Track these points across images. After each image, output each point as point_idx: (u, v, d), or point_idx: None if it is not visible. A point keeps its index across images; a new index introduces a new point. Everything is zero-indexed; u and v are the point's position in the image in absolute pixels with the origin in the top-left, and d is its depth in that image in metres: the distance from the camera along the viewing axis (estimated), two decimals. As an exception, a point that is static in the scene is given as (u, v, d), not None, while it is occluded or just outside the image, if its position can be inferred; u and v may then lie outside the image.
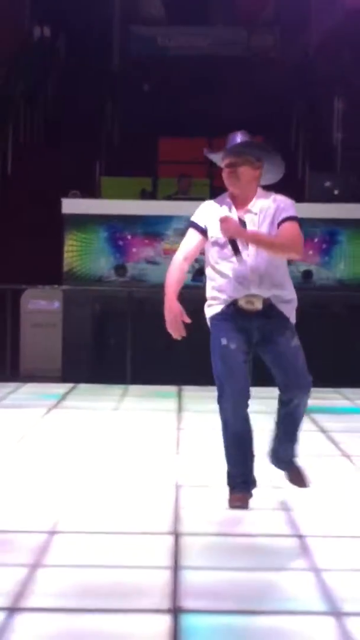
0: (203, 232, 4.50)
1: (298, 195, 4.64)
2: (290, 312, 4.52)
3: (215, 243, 4.47)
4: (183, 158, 13.76)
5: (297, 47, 17.83)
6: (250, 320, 4.45)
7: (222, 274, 4.47)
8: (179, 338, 4.49)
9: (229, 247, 4.43)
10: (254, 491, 4.53)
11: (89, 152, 13.34)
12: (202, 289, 9.98)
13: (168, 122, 14.70)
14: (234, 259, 4.42)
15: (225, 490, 4.54)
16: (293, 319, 4.53)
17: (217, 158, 4.53)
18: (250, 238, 4.39)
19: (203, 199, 11.97)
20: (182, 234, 11.24)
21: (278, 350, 4.47)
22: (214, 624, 3.08)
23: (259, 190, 4.49)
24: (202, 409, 7.83)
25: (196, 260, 10.60)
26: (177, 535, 4.05)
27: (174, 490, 4.87)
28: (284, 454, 4.64)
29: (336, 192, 10.22)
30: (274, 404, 4.60)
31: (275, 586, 3.45)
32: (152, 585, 3.41)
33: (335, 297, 10.11)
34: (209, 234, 4.48)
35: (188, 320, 4.49)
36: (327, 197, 10.30)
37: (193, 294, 10.72)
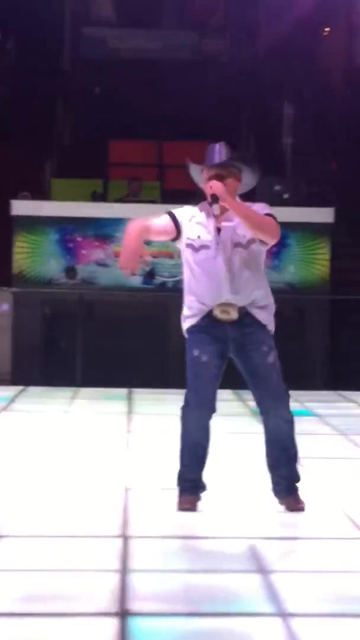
0: (176, 223, 4.49)
1: (248, 199, 4.64)
2: (267, 318, 4.49)
3: (190, 245, 4.47)
4: (134, 160, 13.76)
5: (247, 53, 17.92)
6: (226, 331, 4.43)
7: (196, 278, 4.45)
8: (132, 275, 4.45)
9: (204, 250, 4.41)
10: (202, 494, 4.54)
11: (40, 154, 13.26)
12: (152, 292, 10.03)
13: (119, 125, 14.69)
14: (208, 262, 4.40)
15: (174, 493, 4.55)
16: (271, 326, 4.51)
17: (197, 169, 4.54)
18: (232, 204, 4.36)
19: (154, 202, 12.02)
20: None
21: (252, 367, 4.47)
22: (162, 627, 3.07)
23: (237, 200, 4.51)
24: (152, 411, 7.84)
25: (147, 264, 10.67)
26: (125, 538, 4.04)
27: (123, 493, 4.86)
28: (284, 472, 4.53)
29: (285, 196, 10.31)
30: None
31: (222, 588, 3.46)
32: (100, 588, 3.39)
33: (285, 300, 10.13)
34: (184, 234, 4.48)
35: (149, 258, 4.59)
36: (276, 201, 10.36)
37: (143, 296, 10.80)
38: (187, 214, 4.53)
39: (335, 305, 10.73)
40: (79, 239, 10.34)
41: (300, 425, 7.24)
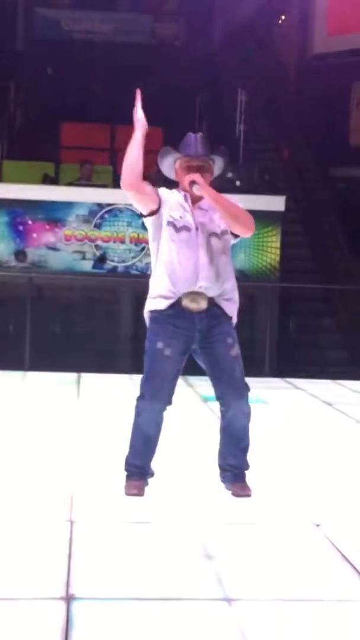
0: (157, 193, 4.42)
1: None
2: (233, 310, 4.50)
3: (172, 224, 4.40)
4: (86, 144, 13.69)
5: (201, 38, 17.90)
6: (193, 321, 4.39)
7: (172, 259, 4.37)
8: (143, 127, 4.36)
9: (184, 232, 4.37)
10: (150, 480, 4.56)
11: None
12: (103, 277, 9.95)
13: (71, 107, 14.59)
14: (187, 245, 4.36)
15: (121, 479, 4.56)
16: (235, 318, 4.53)
17: (171, 157, 4.51)
18: (212, 194, 4.35)
19: (105, 186, 11.92)
20: (84, 220, 11.28)
21: (216, 358, 4.45)
22: (107, 611, 3.09)
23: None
24: (101, 396, 7.83)
25: (98, 247, 10.67)
26: (72, 522, 4.04)
27: (69, 478, 4.85)
28: (234, 462, 4.57)
29: (238, 183, 10.34)
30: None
31: (167, 573, 3.48)
32: (46, 573, 3.40)
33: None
34: (165, 211, 4.41)
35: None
36: (229, 188, 10.40)
37: (93, 281, 10.77)
38: (168, 193, 4.48)
39: (285, 293, 10.82)
40: (29, 222, 10.27)
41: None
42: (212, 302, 4.42)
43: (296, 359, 10.61)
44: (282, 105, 15.64)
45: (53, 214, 10.31)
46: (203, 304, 4.39)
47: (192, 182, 4.38)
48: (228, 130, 13.36)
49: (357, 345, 11.46)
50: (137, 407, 4.51)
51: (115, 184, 12.14)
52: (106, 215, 10.32)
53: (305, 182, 13.66)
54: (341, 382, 9.19)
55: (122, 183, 4.37)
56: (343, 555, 3.75)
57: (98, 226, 10.30)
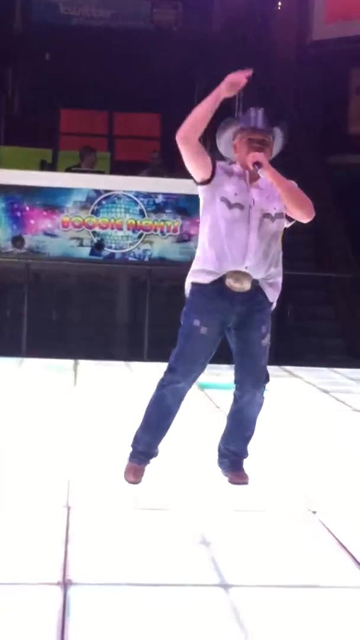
0: (214, 162, 4.24)
1: None
2: (275, 296, 4.41)
3: (225, 200, 4.24)
4: (84, 130, 13.64)
5: (200, 24, 17.82)
6: (233, 303, 4.27)
7: (221, 236, 4.23)
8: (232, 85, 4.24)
9: (237, 209, 4.21)
10: (153, 460, 4.49)
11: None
12: (100, 263, 9.89)
13: (69, 93, 14.53)
14: (238, 223, 4.22)
15: (118, 465, 4.56)
16: (275, 304, 4.45)
17: (230, 132, 4.36)
18: (275, 175, 4.21)
19: (103, 173, 11.86)
20: (82, 207, 11.25)
21: (246, 345, 4.36)
22: (104, 597, 3.10)
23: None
24: (98, 383, 7.84)
25: (95, 234, 10.63)
26: (69, 508, 4.05)
27: (66, 463, 4.86)
28: (235, 448, 4.57)
29: (236, 170, 10.29)
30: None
31: (166, 558, 3.49)
32: (43, 558, 3.41)
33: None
34: (218, 184, 4.23)
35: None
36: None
37: (91, 268, 10.73)
38: (226, 167, 4.31)
39: (283, 280, 10.78)
40: (27, 208, 10.24)
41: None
42: (255, 284, 4.29)
43: (294, 347, 10.60)
44: (281, 93, 15.59)
45: (50, 200, 10.27)
46: (247, 285, 4.25)
47: (256, 164, 4.20)
48: (226, 116, 13.31)
49: (355, 333, 11.46)
50: (163, 380, 4.34)
51: (113, 171, 12.12)
52: (104, 202, 10.29)
53: (305, 170, 13.62)
54: (338, 370, 9.21)
55: (177, 134, 4.14)
56: (339, 542, 3.76)
57: (95, 213, 10.27)
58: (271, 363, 9.53)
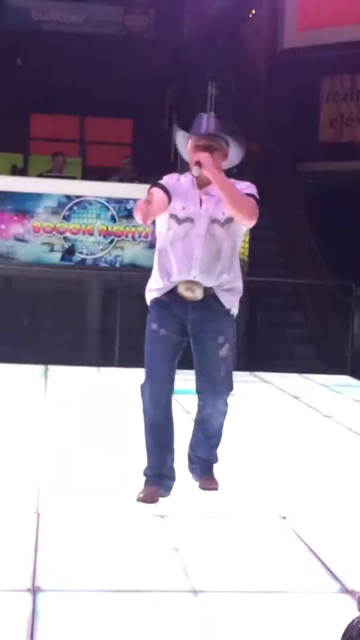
0: (166, 192, 4.20)
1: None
2: (231, 301, 4.32)
3: (174, 217, 4.23)
4: (55, 135, 13.62)
5: (172, 30, 17.86)
6: (186, 311, 4.26)
7: (169, 251, 4.24)
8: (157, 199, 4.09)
9: (187, 223, 4.20)
10: (170, 484, 4.38)
11: None
12: (71, 269, 9.87)
13: (40, 98, 14.49)
14: (186, 235, 4.19)
15: (88, 472, 4.55)
16: (235, 309, 4.35)
17: (184, 137, 4.32)
18: (216, 176, 4.12)
19: (75, 178, 11.85)
20: (53, 212, 11.22)
21: (203, 357, 4.31)
22: (74, 603, 3.09)
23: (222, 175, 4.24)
24: (69, 388, 7.81)
25: (67, 239, 10.61)
26: (38, 515, 4.04)
27: (36, 470, 4.84)
28: (203, 455, 4.54)
29: (207, 176, 10.31)
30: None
31: (136, 564, 3.49)
32: (12, 564, 3.39)
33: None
34: (171, 204, 4.21)
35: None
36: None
37: (61, 273, 10.71)
38: (173, 182, 4.26)
39: (253, 287, 10.83)
40: (-3, 212, 10.20)
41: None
42: (209, 292, 4.24)
43: (264, 353, 10.64)
44: (252, 99, 15.66)
45: (21, 205, 10.24)
46: (199, 294, 4.22)
47: (197, 163, 4.12)
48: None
49: (324, 339, 11.52)
50: (141, 392, 4.34)
51: (84, 175, 12.11)
52: (75, 207, 10.27)
53: (274, 176, 13.69)
54: (308, 376, 9.24)
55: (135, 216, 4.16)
56: (309, 547, 3.77)
57: (67, 218, 10.25)
58: (242, 369, 9.62)
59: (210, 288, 4.26)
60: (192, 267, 4.22)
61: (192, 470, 4.61)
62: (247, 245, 10.61)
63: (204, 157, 4.14)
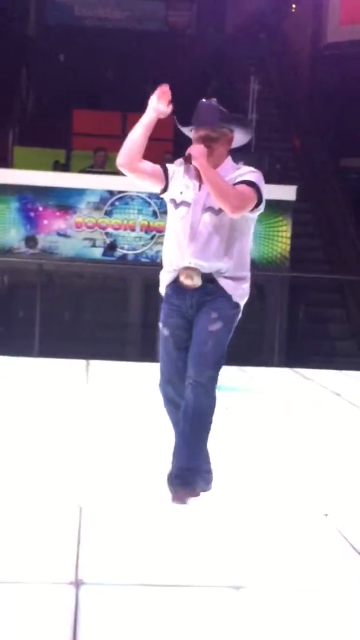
0: (165, 171, 4.24)
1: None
2: (233, 288, 4.20)
3: (173, 201, 4.24)
4: (97, 131, 13.67)
5: (214, 26, 17.84)
6: (185, 301, 4.22)
7: (169, 237, 4.27)
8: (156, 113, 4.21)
9: (183, 207, 4.19)
10: (211, 484, 4.34)
11: (3, 121, 13.12)
12: (113, 264, 9.87)
13: (83, 94, 14.57)
14: (181, 221, 4.19)
15: (129, 465, 4.56)
16: (238, 298, 4.23)
17: (186, 129, 4.29)
18: (203, 167, 4.08)
19: (117, 174, 11.93)
20: (95, 207, 11.29)
21: (196, 330, 4.20)
22: (115, 596, 3.10)
23: (228, 162, 4.23)
24: (110, 383, 7.84)
25: (108, 235, 10.65)
26: (81, 508, 4.06)
27: (78, 464, 4.87)
28: (179, 457, 4.21)
29: (249, 172, 10.29)
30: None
31: (178, 559, 3.50)
32: (55, 557, 3.42)
33: (245, 276, 10.23)
34: (169, 190, 4.24)
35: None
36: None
37: (103, 268, 10.75)
38: (177, 168, 4.27)
39: (295, 283, 10.80)
40: (40, 208, 10.27)
41: (254, 402, 7.35)
42: (208, 278, 4.18)
43: (305, 349, 10.60)
44: (295, 95, 15.59)
45: (64, 200, 10.31)
46: (197, 281, 4.17)
47: (185, 160, 4.16)
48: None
49: (366, 335, 11.44)
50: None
51: (126, 171, 12.13)
52: (117, 203, 10.31)
53: (317, 172, 13.62)
54: (350, 373, 9.19)
55: (117, 163, 4.23)
56: (351, 545, 3.75)
57: (109, 213, 10.30)
58: (283, 366, 9.58)
59: (210, 274, 4.19)
60: (185, 253, 4.18)
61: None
62: (288, 242, 10.58)
63: (194, 149, 4.14)
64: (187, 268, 4.20)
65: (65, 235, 10.23)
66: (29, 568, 3.31)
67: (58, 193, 10.27)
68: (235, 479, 4.64)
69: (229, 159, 4.27)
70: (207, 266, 4.18)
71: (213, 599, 3.14)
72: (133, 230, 10.29)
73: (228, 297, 4.21)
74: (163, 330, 4.32)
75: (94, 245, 10.26)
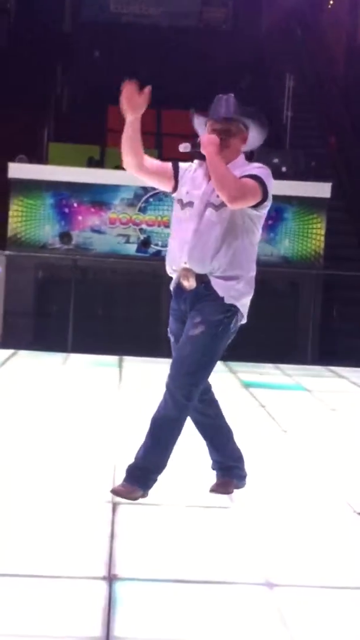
0: (175, 169, 4.15)
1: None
2: (225, 288, 4.04)
3: (179, 201, 4.14)
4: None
5: (249, 22, 17.79)
6: (180, 302, 4.13)
7: (172, 237, 4.18)
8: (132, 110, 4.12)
9: (188, 208, 4.08)
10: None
11: (38, 117, 13.19)
12: (146, 260, 10.00)
13: (118, 91, 14.57)
14: (183, 219, 4.08)
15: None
16: (232, 300, 4.06)
17: (201, 121, 4.16)
18: (210, 155, 3.96)
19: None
20: (129, 204, 11.32)
21: (183, 335, 4.11)
22: (149, 592, 3.11)
23: (240, 160, 4.13)
24: (143, 379, 7.86)
25: (142, 231, 10.68)
26: (114, 504, 4.08)
27: (111, 460, 4.89)
28: (136, 453, 4.17)
29: (284, 169, 10.28)
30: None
31: (211, 555, 3.50)
32: (89, 552, 3.43)
33: (279, 273, 10.21)
34: (178, 189, 4.14)
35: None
36: (274, 174, 10.32)
37: (137, 264, 10.78)
38: (187, 166, 4.18)
39: (328, 280, 10.75)
40: (74, 204, 10.31)
41: (288, 400, 7.33)
42: (202, 279, 4.05)
43: (339, 347, 10.54)
44: (330, 92, 15.50)
45: (98, 197, 10.34)
46: (192, 282, 4.04)
47: (192, 146, 4.03)
48: (275, 116, 13.27)
49: None
50: None
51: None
52: (151, 199, 10.33)
53: (352, 169, 13.53)
54: (384, 371, 9.14)
55: (124, 164, 4.15)
56: (385, 545, 3.74)
57: (142, 210, 10.31)
58: (317, 363, 9.53)
59: (205, 275, 4.05)
60: (183, 253, 4.05)
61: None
62: (322, 239, 10.53)
63: (206, 137, 4.00)
64: (184, 269, 4.08)
65: (99, 232, 10.26)
66: (64, 562, 3.33)
67: (92, 189, 10.31)
68: (269, 476, 4.63)
69: (242, 157, 4.15)
70: (200, 266, 4.04)
71: (247, 596, 3.14)
72: (167, 226, 10.28)
73: (219, 300, 4.05)
74: (169, 333, 4.24)
75: (127, 242, 10.29)
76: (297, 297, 10.19)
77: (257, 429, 5.88)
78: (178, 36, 16.68)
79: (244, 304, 4.13)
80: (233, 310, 4.07)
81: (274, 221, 10.06)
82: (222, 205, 4.01)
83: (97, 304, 10.42)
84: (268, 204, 4.10)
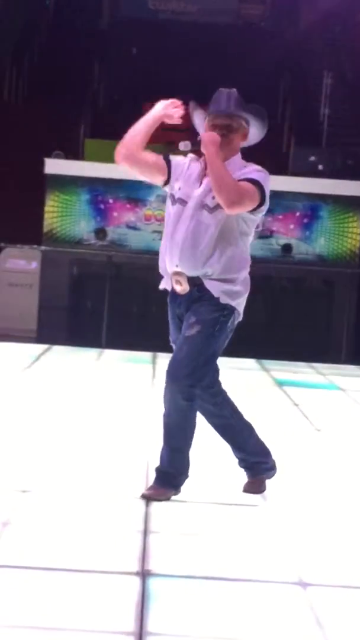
0: (167, 162, 4.05)
1: (281, 168, 4.40)
2: (219, 289, 3.94)
3: (171, 196, 4.02)
4: (167, 124, 13.66)
5: (287, 19, 17.72)
6: (177, 306, 4.04)
7: (164, 237, 4.06)
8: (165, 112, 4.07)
9: (178, 204, 3.97)
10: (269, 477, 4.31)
11: (75, 113, 13.24)
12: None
13: (154, 87, 14.58)
14: (174, 219, 3.98)
15: (196, 459, 4.56)
16: (228, 299, 3.97)
17: (201, 115, 4.06)
18: (211, 155, 3.88)
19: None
20: (164, 200, 11.28)
21: (180, 337, 4.05)
22: (181, 588, 3.12)
23: (237, 157, 4.04)
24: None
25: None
26: (147, 501, 4.08)
27: (145, 456, 4.90)
28: (165, 461, 4.12)
29: (320, 167, 10.24)
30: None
31: (244, 553, 3.50)
32: (122, 548, 3.45)
33: (314, 271, 10.17)
34: (170, 184, 4.03)
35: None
36: (310, 172, 10.30)
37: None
38: (181, 161, 4.06)
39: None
40: (110, 200, 10.35)
41: (322, 398, 7.30)
42: (195, 282, 3.95)
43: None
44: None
45: (133, 193, 10.36)
46: (185, 286, 3.94)
47: (192, 142, 3.96)
48: (312, 113, 13.22)
49: None
50: None
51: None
52: (186, 196, 10.34)
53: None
54: None
55: (115, 157, 4.08)
56: None
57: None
58: (351, 362, 9.46)
59: (198, 278, 3.95)
60: (174, 255, 3.94)
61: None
62: (359, 238, 10.47)
63: (207, 135, 3.92)
64: (175, 273, 3.97)
65: (134, 228, 10.28)
66: (99, 558, 3.34)
67: (128, 186, 10.32)
68: (302, 475, 4.61)
69: (239, 154, 4.06)
70: (192, 270, 3.94)
71: (280, 595, 3.13)
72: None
73: (214, 300, 3.97)
74: (170, 337, 4.17)
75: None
76: (332, 295, 10.14)
77: (291, 428, 5.86)
78: (216, 33, 16.65)
79: (239, 303, 4.05)
80: (229, 309, 4.00)
81: (309, 219, 10.02)
82: (217, 207, 3.92)
83: (131, 300, 10.45)
84: (265, 208, 4.02)
